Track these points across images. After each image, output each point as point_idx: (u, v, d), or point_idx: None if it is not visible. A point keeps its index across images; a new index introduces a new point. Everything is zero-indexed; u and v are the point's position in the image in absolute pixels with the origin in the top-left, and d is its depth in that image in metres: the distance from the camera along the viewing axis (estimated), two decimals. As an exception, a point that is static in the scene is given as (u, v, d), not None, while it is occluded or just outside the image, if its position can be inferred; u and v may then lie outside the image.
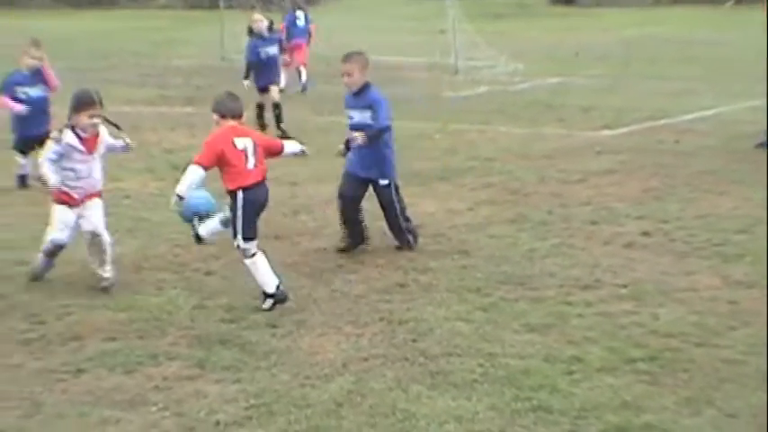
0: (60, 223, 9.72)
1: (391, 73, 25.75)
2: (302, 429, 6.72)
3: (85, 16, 45.40)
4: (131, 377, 7.59)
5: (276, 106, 18.54)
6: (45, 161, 9.71)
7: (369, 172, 10.81)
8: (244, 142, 9.14)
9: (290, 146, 9.93)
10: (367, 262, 10.52)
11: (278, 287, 9.12)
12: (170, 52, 30.77)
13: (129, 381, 7.52)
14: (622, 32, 39.17)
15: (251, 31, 19.16)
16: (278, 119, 18.46)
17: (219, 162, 9.04)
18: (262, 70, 18.81)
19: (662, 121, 19.23)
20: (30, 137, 13.62)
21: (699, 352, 7.88)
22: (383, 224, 11.03)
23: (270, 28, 19.62)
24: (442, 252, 10.86)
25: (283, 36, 23.46)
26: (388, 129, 10.71)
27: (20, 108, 13.91)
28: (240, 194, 9.06)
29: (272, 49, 19.10)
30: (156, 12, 46.77)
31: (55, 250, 9.82)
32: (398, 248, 10.92)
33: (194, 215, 9.25)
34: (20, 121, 14.04)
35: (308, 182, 14.07)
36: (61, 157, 9.67)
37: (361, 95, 10.72)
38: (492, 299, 9.27)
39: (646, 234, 11.34)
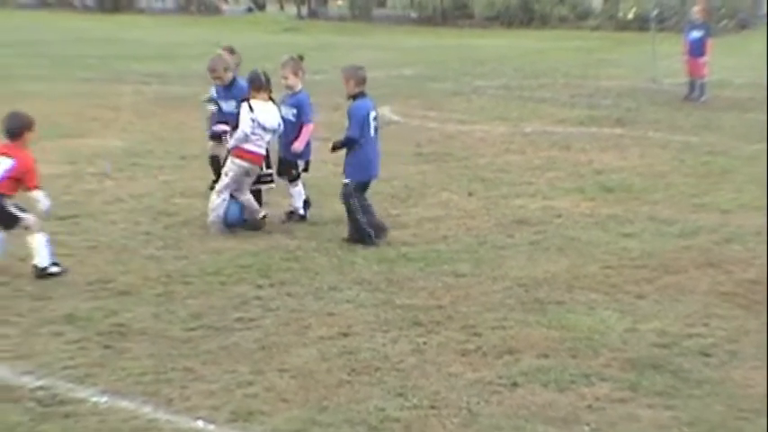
0: None
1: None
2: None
3: (518, 35, 46.39)
4: (564, 395, 7.75)
5: None
6: None
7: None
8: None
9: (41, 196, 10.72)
10: (803, 296, 10.21)
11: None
12: (600, 73, 30.88)
13: (562, 398, 7.69)
14: None
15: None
16: None
17: None
18: None
19: None
20: None
21: None
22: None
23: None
24: None
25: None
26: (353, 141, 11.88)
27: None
28: None
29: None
30: (586, 33, 47.00)
31: None
32: (347, 240, 11.93)
33: None
34: None
35: (739, 210, 13.75)
36: None
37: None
38: None
39: None
